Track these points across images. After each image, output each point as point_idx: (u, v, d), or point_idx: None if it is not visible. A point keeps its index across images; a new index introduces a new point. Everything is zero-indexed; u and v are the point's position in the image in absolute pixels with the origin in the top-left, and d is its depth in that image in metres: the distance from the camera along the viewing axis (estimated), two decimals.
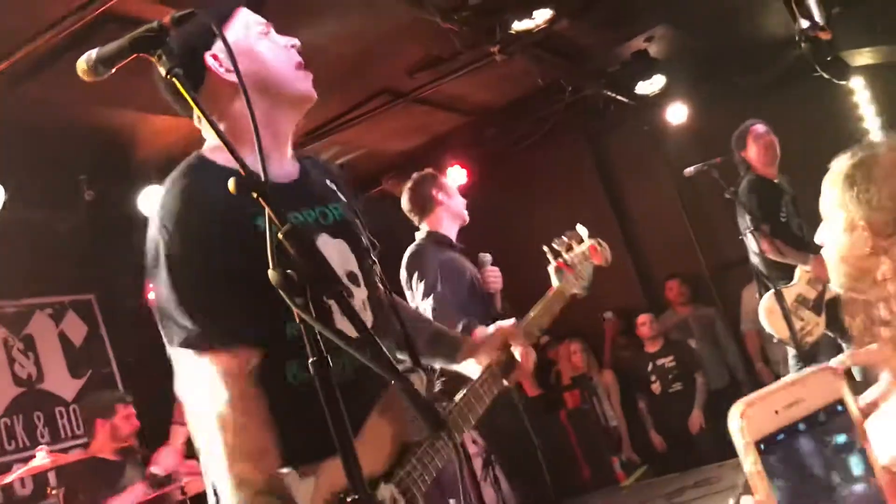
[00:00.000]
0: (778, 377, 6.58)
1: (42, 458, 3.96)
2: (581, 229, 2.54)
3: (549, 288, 2.37)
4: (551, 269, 2.41)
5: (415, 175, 4.44)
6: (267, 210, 1.26)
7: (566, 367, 7.16)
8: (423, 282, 4.02)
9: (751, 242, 4.91)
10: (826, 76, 6.33)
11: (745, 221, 4.94)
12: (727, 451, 1.08)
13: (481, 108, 7.02)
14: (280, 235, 1.24)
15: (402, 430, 1.68)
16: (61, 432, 5.65)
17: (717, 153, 5.11)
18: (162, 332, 1.62)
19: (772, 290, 4.67)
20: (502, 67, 5.51)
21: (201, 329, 1.55)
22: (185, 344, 1.56)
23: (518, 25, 4.64)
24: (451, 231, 4.32)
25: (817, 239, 1.61)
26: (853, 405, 1.02)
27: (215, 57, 1.71)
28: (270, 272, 1.22)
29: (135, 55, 1.40)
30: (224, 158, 1.57)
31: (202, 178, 1.65)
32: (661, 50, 6.56)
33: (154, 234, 1.62)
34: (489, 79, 6.09)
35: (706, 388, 6.72)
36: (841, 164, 1.55)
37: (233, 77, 1.64)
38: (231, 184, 1.26)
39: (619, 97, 6.94)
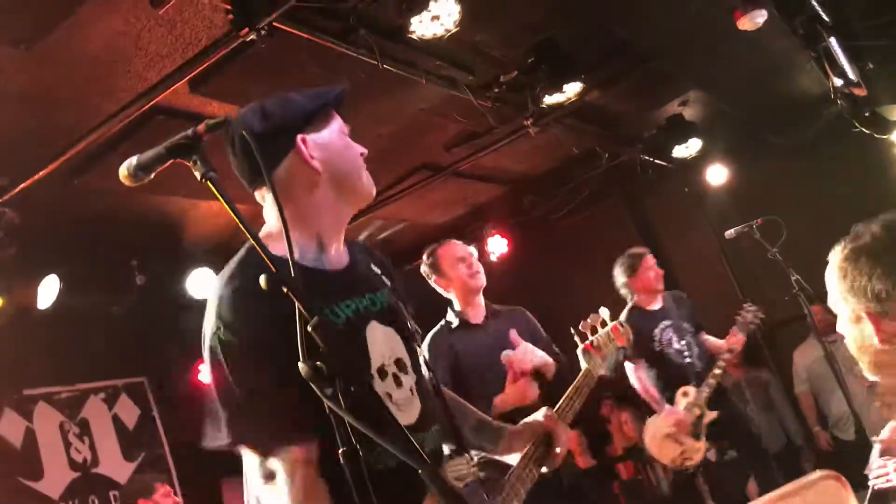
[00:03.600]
0: (836, 440, 6.42)
1: None
2: (603, 311, 2.61)
3: (579, 371, 2.43)
4: (579, 351, 2.46)
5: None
6: (297, 304, 1.30)
7: (618, 438, 7.02)
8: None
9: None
10: (866, 131, 6.29)
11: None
12: None
13: (519, 178, 7.10)
14: (309, 328, 1.28)
15: None
16: None
17: (758, 213, 5.09)
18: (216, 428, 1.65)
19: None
20: (538, 138, 5.61)
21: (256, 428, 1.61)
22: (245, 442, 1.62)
23: (549, 100, 4.74)
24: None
25: (839, 330, 1.59)
26: None
27: (304, 140, 1.80)
28: (301, 364, 1.26)
29: (171, 161, 1.48)
30: (278, 248, 1.57)
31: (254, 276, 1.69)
32: (697, 113, 6.60)
33: (209, 333, 1.66)
34: (525, 149, 6.19)
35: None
36: (833, 257, 1.54)
37: (316, 164, 1.78)
38: (262, 281, 1.31)
39: (656, 161, 6.97)
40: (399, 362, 1.81)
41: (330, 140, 1.83)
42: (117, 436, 6.08)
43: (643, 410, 7.16)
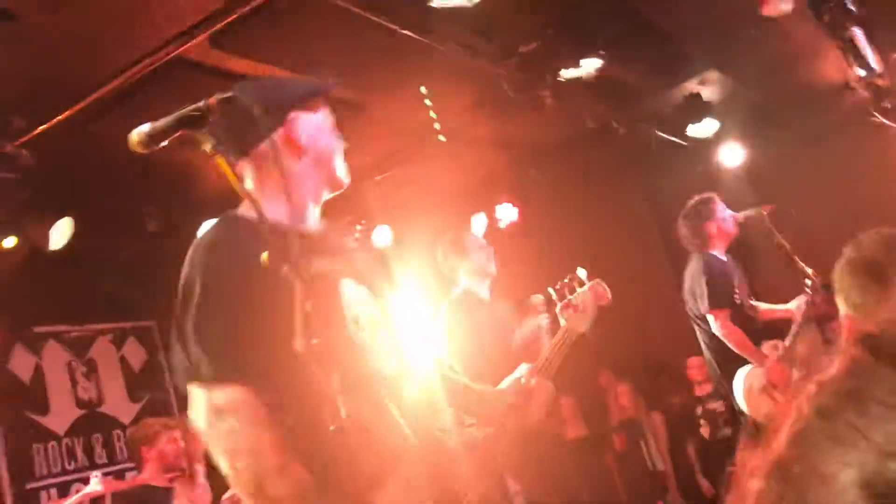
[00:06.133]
0: None
1: (95, 484, 4.11)
2: (580, 272, 2.68)
3: (558, 328, 2.50)
4: (557, 310, 2.54)
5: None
6: (297, 285, 1.35)
7: (614, 409, 7.11)
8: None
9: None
10: (886, 122, 6.25)
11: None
12: None
13: (533, 147, 7.09)
14: (308, 307, 1.34)
15: None
16: (118, 455, 5.86)
17: (770, 197, 5.08)
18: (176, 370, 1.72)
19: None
20: (553, 109, 5.58)
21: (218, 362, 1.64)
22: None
23: (567, 73, 4.72)
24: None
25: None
26: None
27: (294, 119, 1.93)
28: (296, 341, 1.32)
29: (182, 131, 1.52)
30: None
31: (240, 229, 1.78)
32: (715, 93, 6.55)
33: (188, 279, 1.75)
34: (540, 119, 6.16)
35: None
36: (838, 261, 1.65)
37: (303, 140, 1.92)
38: (264, 257, 1.36)
39: (671, 138, 6.94)
40: (373, 317, 1.89)
41: (317, 123, 1.97)
42: (124, 377, 6.21)
43: (639, 385, 7.28)
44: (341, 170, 2.01)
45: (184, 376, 1.68)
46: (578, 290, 2.67)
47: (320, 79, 2.07)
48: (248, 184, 1.89)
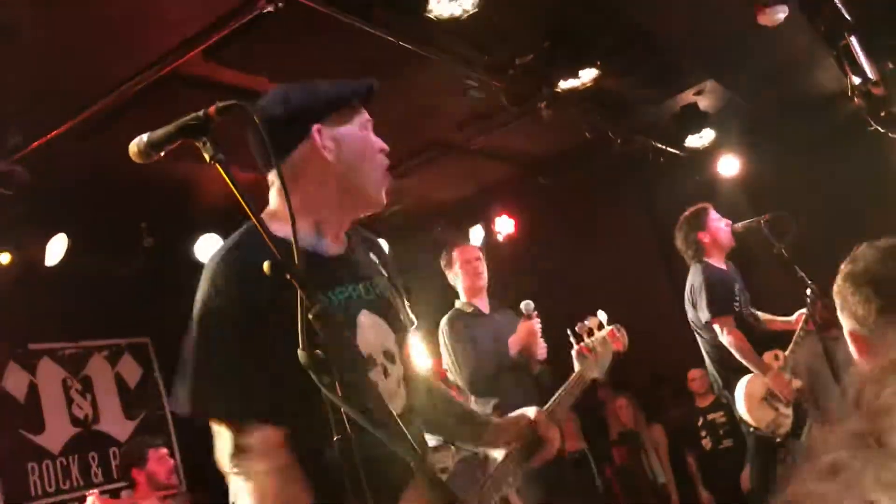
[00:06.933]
0: None
1: (91, 502, 4.06)
2: (601, 315, 2.65)
3: (571, 372, 2.48)
4: (574, 353, 2.51)
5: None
6: (299, 291, 1.32)
7: (613, 422, 7.07)
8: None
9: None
10: (882, 131, 6.25)
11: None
12: None
13: (529, 159, 7.09)
14: (310, 316, 1.30)
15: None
16: (114, 473, 5.80)
17: (768, 207, 5.07)
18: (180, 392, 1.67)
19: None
20: (550, 121, 5.58)
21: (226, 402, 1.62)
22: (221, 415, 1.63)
23: (564, 84, 4.72)
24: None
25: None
26: None
27: (320, 131, 1.78)
28: (299, 352, 1.28)
29: (182, 141, 1.49)
30: (279, 229, 1.61)
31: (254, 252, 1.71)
32: (711, 104, 6.56)
33: (199, 298, 1.69)
34: (537, 131, 6.16)
35: None
36: (840, 273, 1.62)
37: (330, 156, 1.76)
38: (266, 266, 1.33)
39: (668, 149, 6.95)
40: (387, 353, 1.81)
41: (348, 134, 1.81)
42: (119, 394, 6.15)
43: (640, 398, 7.24)
44: (375, 188, 1.83)
45: (186, 409, 1.65)
46: (597, 333, 2.62)
47: (356, 80, 1.88)
48: (272, 198, 1.83)
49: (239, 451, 1.60)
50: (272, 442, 1.59)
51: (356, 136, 1.82)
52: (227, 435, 1.62)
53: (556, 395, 2.34)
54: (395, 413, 1.73)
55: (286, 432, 1.60)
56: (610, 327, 2.66)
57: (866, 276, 1.54)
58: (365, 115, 1.86)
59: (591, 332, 2.60)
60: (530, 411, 2.11)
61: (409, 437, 1.30)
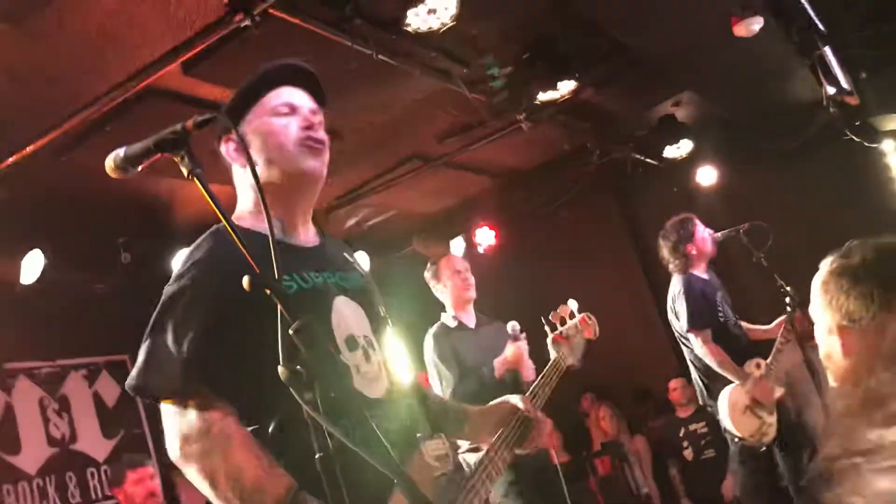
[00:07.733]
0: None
1: None
2: (571, 303, 2.69)
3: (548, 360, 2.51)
4: (549, 341, 2.55)
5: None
6: (279, 307, 1.30)
7: (596, 433, 7.07)
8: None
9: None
10: (856, 139, 6.33)
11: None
12: None
13: (510, 171, 7.11)
14: (291, 332, 1.28)
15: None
16: (92, 494, 5.70)
17: (746, 216, 5.11)
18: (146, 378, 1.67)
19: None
20: (530, 133, 5.61)
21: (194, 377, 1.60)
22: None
23: (543, 96, 4.74)
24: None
25: (816, 336, 1.63)
26: None
27: (228, 138, 1.85)
28: (280, 368, 1.26)
29: (159, 155, 1.47)
30: (249, 223, 1.75)
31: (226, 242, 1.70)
32: (689, 114, 6.62)
33: (171, 282, 1.72)
34: (517, 143, 6.19)
35: None
36: (823, 268, 1.60)
37: (253, 153, 1.79)
38: (245, 282, 1.31)
39: (647, 160, 6.99)
40: (367, 339, 1.81)
41: (261, 124, 1.83)
42: (97, 413, 6.06)
43: (622, 408, 7.25)
44: (304, 158, 1.80)
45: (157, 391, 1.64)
46: (569, 321, 2.67)
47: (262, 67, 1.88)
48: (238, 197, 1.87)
49: (189, 433, 1.57)
50: (221, 417, 1.57)
51: (269, 123, 1.82)
52: (173, 413, 1.61)
53: (535, 383, 2.36)
54: (379, 395, 1.75)
55: (235, 413, 1.59)
56: (581, 315, 2.73)
57: (865, 270, 1.51)
58: (282, 97, 1.85)
59: (563, 321, 2.66)
60: (514, 398, 2.11)
61: (391, 452, 1.28)
